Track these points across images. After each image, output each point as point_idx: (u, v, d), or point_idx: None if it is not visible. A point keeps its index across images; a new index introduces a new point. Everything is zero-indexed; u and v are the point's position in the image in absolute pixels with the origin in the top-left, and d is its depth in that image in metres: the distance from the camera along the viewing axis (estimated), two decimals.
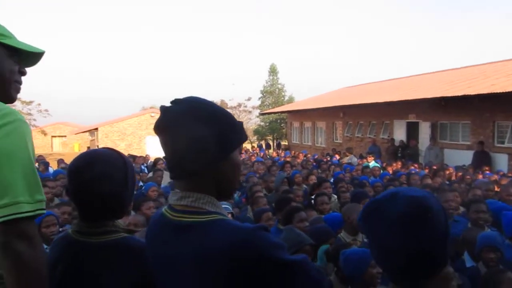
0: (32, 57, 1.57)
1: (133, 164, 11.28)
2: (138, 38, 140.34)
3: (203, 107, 1.26)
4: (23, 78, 1.54)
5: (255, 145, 31.83)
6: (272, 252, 1.11)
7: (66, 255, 1.54)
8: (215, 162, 1.23)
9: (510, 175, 9.60)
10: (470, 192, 5.68)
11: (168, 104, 1.29)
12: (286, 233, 3.10)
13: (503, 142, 12.79)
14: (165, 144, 1.26)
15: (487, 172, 9.73)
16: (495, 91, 11.18)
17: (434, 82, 18.10)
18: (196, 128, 1.21)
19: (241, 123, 1.34)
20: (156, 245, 1.29)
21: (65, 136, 48.56)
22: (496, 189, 6.43)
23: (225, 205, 4.46)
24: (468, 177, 8.82)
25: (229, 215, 3.92)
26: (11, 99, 1.49)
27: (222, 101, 42.65)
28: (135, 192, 6.78)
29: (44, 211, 1.32)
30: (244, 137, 1.32)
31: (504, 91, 10.90)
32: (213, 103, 1.31)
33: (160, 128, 1.25)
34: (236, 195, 7.15)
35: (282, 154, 17.19)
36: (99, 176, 1.51)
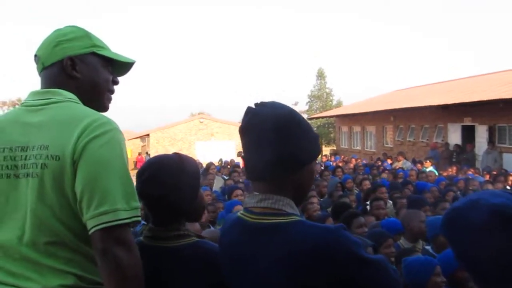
0: (123, 66, 1.64)
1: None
2: (186, 44, 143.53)
3: (290, 114, 1.30)
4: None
5: None
6: (355, 250, 1.13)
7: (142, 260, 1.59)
8: (296, 170, 1.27)
9: None
10: None
11: (252, 106, 1.33)
12: None
13: None
14: (248, 145, 1.30)
15: None
16: None
17: (491, 84, 17.36)
18: (281, 135, 1.25)
19: (318, 135, 1.38)
20: (234, 249, 1.32)
21: None
22: None
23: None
24: None
25: None
26: (104, 108, 1.57)
27: None
28: None
29: (140, 218, 1.37)
30: (319, 150, 1.36)
31: None
32: (296, 112, 1.34)
33: (246, 129, 1.29)
34: None
35: (332, 159, 17.03)
36: (148, 178, 1.57)
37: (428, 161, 11.98)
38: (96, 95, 1.53)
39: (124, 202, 1.30)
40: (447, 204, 5.13)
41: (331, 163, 14.24)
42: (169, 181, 1.57)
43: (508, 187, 7.86)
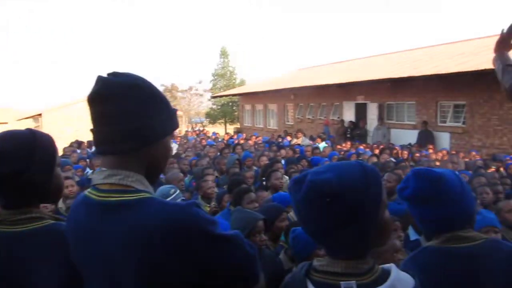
0: None
1: (78, 150, 10.67)
2: (80, 19, 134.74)
3: (145, 85, 1.21)
4: None
5: (208, 128, 31.51)
6: (205, 227, 1.09)
7: None
8: (150, 143, 1.18)
9: (453, 152, 10.05)
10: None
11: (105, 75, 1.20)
12: (236, 214, 3.07)
13: (445, 122, 13.35)
14: (97, 117, 1.18)
15: (430, 150, 10.13)
16: (438, 73, 11.60)
17: (382, 64, 18.55)
18: (137, 105, 1.16)
19: (175, 110, 1.30)
20: (80, 228, 1.20)
21: (6, 122, 46.21)
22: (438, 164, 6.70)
23: (178, 191, 4.36)
24: (417, 154, 9.17)
25: (180, 201, 3.90)
26: None
27: (173, 84, 41.89)
28: (78, 179, 6.54)
29: None
30: (177, 125, 1.29)
31: (446, 73, 11.32)
32: (152, 83, 1.25)
33: (96, 99, 1.17)
34: (187, 179, 7.08)
35: (235, 137, 17.16)
36: None
37: (318, 138, 12.63)
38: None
39: None
40: None
41: (234, 141, 14.32)
42: (21, 158, 1.43)
43: (393, 159, 8.47)
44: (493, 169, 7.06)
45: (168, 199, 3.72)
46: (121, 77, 1.19)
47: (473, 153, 10.00)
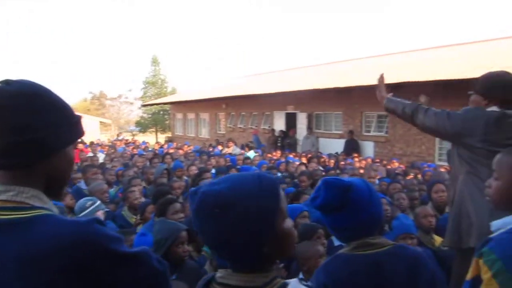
0: None
1: None
2: (79, 19, 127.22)
3: (40, 93, 1.13)
4: None
5: (138, 137, 30.71)
6: (106, 245, 1.04)
7: None
8: (46, 155, 1.11)
9: (376, 160, 10.53)
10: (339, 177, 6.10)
11: None
12: (158, 225, 3.00)
13: (369, 131, 13.98)
14: None
15: (356, 158, 10.56)
16: (363, 84, 12.13)
17: (312, 75, 19.12)
18: (29, 115, 1.08)
19: (79, 117, 1.22)
20: None
21: None
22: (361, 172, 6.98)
23: (99, 203, 4.18)
24: (342, 163, 9.50)
25: (100, 213, 3.74)
26: None
27: (101, 92, 40.54)
28: None
29: None
30: (80, 133, 1.21)
31: (369, 84, 11.86)
32: (50, 90, 1.17)
33: None
34: (112, 190, 6.84)
35: (165, 146, 16.87)
36: None
37: (247, 147, 12.78)
38: None
39: None
40: None
41: (164, 150, 14.07)
42: None
43: (321, 167, 8.72)
44: (411, 176, 7.48)
45: (84, 212, 3.56)
46: (13, 86, 1.10)
47: (394, 161, 10.55)
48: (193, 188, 1.19)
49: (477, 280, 1.50)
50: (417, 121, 2.90)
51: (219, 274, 1.18)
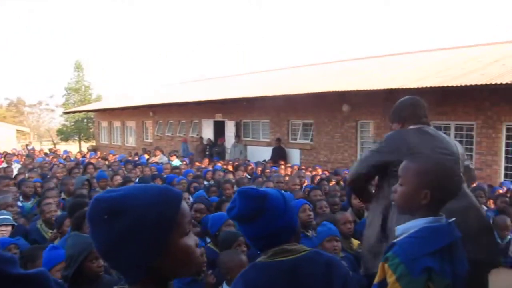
0: None
1: None
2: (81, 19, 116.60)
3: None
4: None
5: (60, 146, 29.14)
6: (1, 268, 0.96)
7: None
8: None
9: (302, 168, 10.79)
10: (264, 184, 6.18)
11: None
12: (71, 239, 2.85)
13: (295, 139, 14.33)
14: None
15: (282, 166, 10.75)
16: (288, 93, 12.43)
17: (240, 83, 19.27)
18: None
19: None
20: None
21: None
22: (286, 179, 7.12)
23: (5, 216, 3.94)
24: (267, 171, 9.62)
25: (9, 228, 3.50)
26: None
27: (19, 98, 38.19)
28: None
29: None
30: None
31: (294, 93, 12.19)
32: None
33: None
34: (29, 204, 6.46)
35: (88, 155, 16.16)
36: None
37: (173, 155, 12.61)
38: None
39: None
40: (186, 195, 5.44)
41: (85, 160, 13.48)
42: None
43: (248, 175, 8.78)
44: (333, 182, 7.74)
45: None
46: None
47: (317, 168, 10.88)
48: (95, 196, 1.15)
49: (383, 283, 1.57)
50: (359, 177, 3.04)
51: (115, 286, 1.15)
